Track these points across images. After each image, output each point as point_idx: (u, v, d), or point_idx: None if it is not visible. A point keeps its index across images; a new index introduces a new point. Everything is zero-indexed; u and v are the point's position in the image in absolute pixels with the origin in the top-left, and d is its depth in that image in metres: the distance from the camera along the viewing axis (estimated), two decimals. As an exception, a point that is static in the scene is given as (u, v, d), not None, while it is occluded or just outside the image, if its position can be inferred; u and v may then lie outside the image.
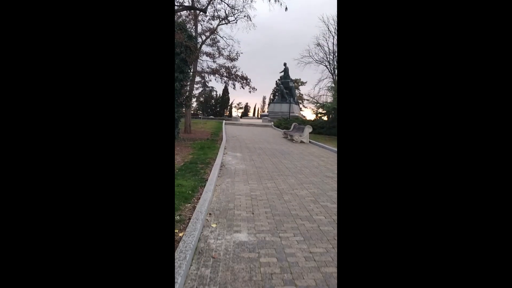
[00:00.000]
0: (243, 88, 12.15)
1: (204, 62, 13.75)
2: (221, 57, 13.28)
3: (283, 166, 6.35)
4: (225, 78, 12.18)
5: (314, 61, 20.07)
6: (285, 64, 34.64)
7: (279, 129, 18.02)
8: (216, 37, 13.66)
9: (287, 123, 18.18)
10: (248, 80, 11.89)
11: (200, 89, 48.73)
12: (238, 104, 56.81)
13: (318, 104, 17.09)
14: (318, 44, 19.70)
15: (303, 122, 17.54)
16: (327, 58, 19.52)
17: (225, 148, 8.76)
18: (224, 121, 22.72)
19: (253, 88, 11.95)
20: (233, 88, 12.58)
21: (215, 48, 13.61)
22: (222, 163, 6.17)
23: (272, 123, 21.51)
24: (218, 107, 48.98)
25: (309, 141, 11.55)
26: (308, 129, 11.80)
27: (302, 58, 19.46)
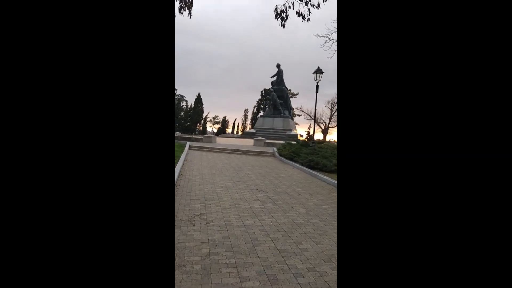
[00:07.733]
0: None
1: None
2: None
3: None
4: None
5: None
6: (278, 66, 26.07)
7: (292, 162, 8.89)
8: None
9: (315, 152, 9.07)
10: None
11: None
12: (214, 118, 46.96)
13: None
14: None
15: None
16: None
17: None
18: (188, 143, 13.03)
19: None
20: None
21: None
22: None
23: (275, 148, 12.23)
24: (189, 120, 39.23)
25: None
26: None
27: (331, 34, 10.48)
